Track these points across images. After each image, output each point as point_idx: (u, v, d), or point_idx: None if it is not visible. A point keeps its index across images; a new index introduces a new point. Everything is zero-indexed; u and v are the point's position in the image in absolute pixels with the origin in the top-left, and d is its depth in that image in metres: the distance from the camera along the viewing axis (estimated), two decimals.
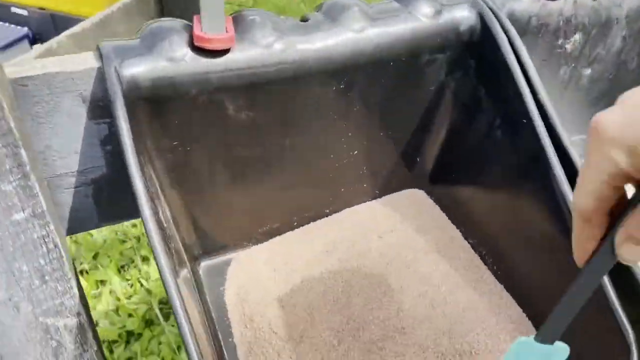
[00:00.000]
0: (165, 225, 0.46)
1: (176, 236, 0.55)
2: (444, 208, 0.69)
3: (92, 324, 0.59)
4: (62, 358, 0.58)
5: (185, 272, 0.57)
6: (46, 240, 0.50)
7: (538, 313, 0.58)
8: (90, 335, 0.58)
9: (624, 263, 0.28)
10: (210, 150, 0.54)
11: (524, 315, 0.58)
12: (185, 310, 0.40)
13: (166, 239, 0.44)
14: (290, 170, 0.60)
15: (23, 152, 0.44)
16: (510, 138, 0.57)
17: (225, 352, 0.57)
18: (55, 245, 0.50)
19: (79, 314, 0.56)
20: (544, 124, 0.53)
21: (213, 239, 0.63)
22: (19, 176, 0.45)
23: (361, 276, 0.60)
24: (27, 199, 0.46)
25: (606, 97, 0.73)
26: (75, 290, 0.54)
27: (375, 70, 0.56)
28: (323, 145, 0.60)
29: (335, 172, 0.64)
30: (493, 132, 0.59)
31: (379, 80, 0.57)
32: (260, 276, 0.62)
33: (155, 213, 0.44)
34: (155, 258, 0.40)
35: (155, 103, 0.48)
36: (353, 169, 0.65)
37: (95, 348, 0.59)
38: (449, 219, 0.68)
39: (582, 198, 0.28)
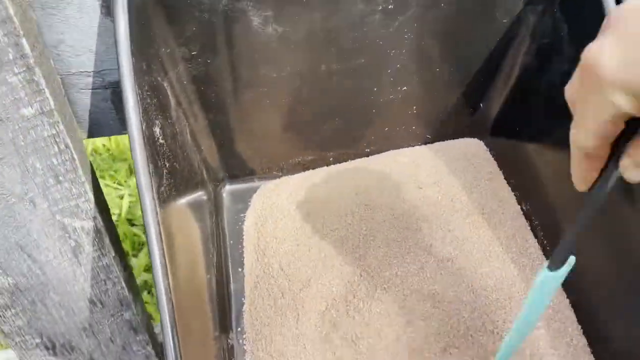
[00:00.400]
0: (162, 142, 0.42)
1: (190, 155, 0.52)
2: (501, 165, 0.60)
3: (111, 230, 0.59)
4: (82, 258, 0.59)
5: (200, 194, 0.54)
6: (57, 140, 0.48)
7: (582, 301, 0.49)
8: (107, 240, 0.58)
9: (631, 182, 0.28)
10: (234, 65, 0.49)
11: (567, 301, 0.50)
12: (160, 234, 0.37)
13: (157, 155, 0.41)
14: (326, 98, 0.54)
15: (24, 42, 0.41)
16: None
17: (231, 282, 0.55)
18: (67, 146, 0.49)
19: (95, 218, 0.56)
20: None
21: (240, 163, 0.59)
22: (23, 69, 0.43)
23: (387, 228, 0.54)
24: (34, 94, 0.45)
25: None
26: (90, 195, 0.54)
27: None
28: (365, 75, 0.53)
29: (379, 108, 0.57)
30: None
31: (438, 5, 0.48)
32: (282, 209, 0.58)
33: (149, 127, 0.40)
34: (135, 173, 0.37)
35: (170, 6, 0.43)
36: (400, 106, 0.57)
37: (113, 254, 0.59)
38: (505, 178, 0.59)
39: (584, 136, 0.27)
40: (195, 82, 0.49)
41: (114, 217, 1.49)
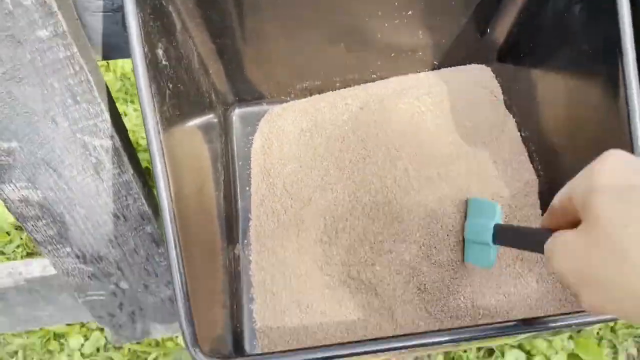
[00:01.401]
0: (165, 63, 0.45)
1: (198, 78, 0.54)
2: (506, 91, 0.60)
3: (129, 149, 0.63)
4: (103, 174, 0.63)
5: (210, 117, 0.57)
6: (71, 61, 0.51)
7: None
8: (125, 159, 0.62)
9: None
10: None
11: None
12: (163, 152, 0.40)
13: (160, 76, 0.43)
14: (329, 22, 0.55)
15: None
16: (589, 18, 0.46)
17: (239, 200, 0.59)
18: (81, 67, 0.52)
19: (112, 137, 0.59)
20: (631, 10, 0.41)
21: (248, 87, 0.61)
22: None
23: (384, 151, 0.56)
24: (47, 16, 0.47)
25: None
26: (107, 115, 0.57)
27: None
28: None
29: (384, 33, 0.57)
30: (572, 9, 0.48)
31: None
32: (287, 133, 0.60)
33: (151, 49, 0.42)
34: (137, 91, 0.40)
35: None
36: (406, 32, 0.57)
37: (132, 171, 0.63)
38: (508, 104, 0.59)
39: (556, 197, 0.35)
40: (200, 6, 0.50)
41: (144, 142, 1.54)
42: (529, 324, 0.39)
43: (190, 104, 0.51)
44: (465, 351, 1.24)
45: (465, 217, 0.52)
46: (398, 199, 0.52)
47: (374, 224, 0.52)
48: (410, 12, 0.55)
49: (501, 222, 0.46)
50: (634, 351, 1.27)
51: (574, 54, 0.48)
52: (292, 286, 0.52)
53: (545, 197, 0.54)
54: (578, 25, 0.47)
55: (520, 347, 1.24)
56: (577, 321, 0.40)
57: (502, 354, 1.24)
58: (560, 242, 0.31)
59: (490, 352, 1.25)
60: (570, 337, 1.24)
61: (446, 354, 1.26)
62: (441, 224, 0.51)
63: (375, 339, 0.39)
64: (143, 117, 0.40)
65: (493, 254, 0.47)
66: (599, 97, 0.47)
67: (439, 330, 0.43)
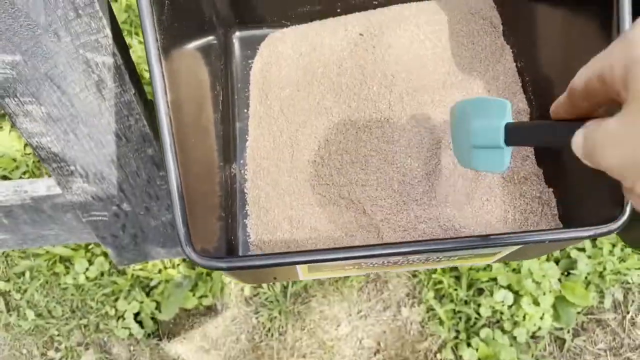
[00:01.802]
0: None
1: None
2: (505, 21, 0.60)
3: (131, 68, 0.64)
4: (105, 92, 0.64)
5: (210, 38, 0.58)
6: None
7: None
8: (127, 77, 0.63)
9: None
10: None
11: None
12: (162, 67, 0.41)
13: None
14: None
15: None
16: None
17: (237, 120, 0.60)
18: None
19: (114, 55, 0.60)
20: None
21: (249, 10, 0.62)
22: None
23: (380, 76, 0.57)
24: None
25: None
26: (109, 30, 0.58)
27: None
28: None
29: None
30: None
31: None
32: (286, 58, 0.61)
33: None
34: (138, 6, 0.40)
35: None
36: None
37: (134, 91, 0.64)
38: (506, 34, 0.59)
39: (577, 78, 0.31)
40: None
41: (148, 75, 1.54)
42: (506, 237, 0.42)
43: (190, 23, 0.52)
44: (455, 289, 1.28)
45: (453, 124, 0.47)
46: (390, 123, 0.53)
47: (366, 146, 0.53)
48: None
49: (512, 120, 0.40)
50: (620, 296, 1.31)
51: None
52: (284, 203, 0.54)
53: None
54: None
55: (509, 287, 1.28)
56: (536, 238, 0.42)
57: (491, 294, 1.28)
58: (602, 132, 0.26)
59: (480, 291, 1.30)
60: (559, 280, 1.28)
61: (437, 290, 1.30)
62: (428, 148, 0.53)
63: (359, 246, 0.41)
64: (142, 32, 0.40)
65: (507, 156, 0.40)
66: (594, 32, 0.48)
67: (418, 241, 0.46)
